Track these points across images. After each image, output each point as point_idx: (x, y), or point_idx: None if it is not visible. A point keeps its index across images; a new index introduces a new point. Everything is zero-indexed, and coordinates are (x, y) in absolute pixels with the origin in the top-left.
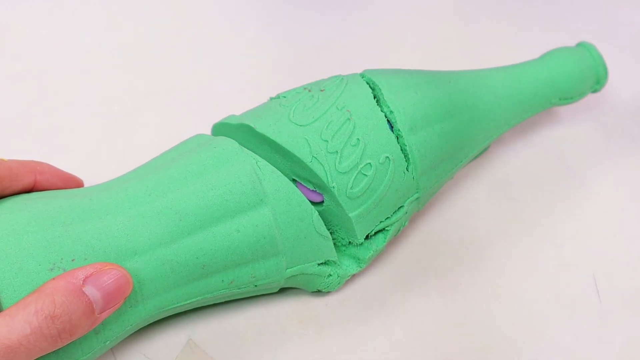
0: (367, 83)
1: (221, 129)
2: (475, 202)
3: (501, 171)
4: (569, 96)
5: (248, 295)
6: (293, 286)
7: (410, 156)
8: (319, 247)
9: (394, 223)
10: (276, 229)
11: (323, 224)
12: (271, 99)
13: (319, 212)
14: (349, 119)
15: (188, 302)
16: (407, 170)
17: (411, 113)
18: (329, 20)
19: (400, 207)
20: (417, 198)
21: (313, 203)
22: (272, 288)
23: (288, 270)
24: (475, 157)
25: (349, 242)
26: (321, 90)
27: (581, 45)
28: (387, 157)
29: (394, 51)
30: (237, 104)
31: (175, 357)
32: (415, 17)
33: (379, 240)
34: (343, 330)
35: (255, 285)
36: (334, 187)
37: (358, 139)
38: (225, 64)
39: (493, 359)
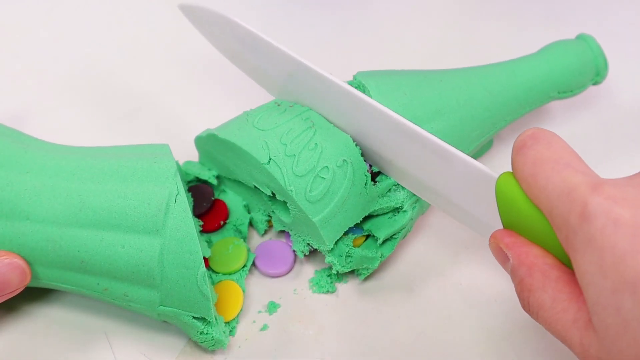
0: (358, 86)
1: (199, 142)
2: None
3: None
4: (568, 89)
5: (135, 311)
6: (178, 326)
7: None
8: (196, 301)
9: (401, 230)
10: (158, 264)
11: (207, 283)
12: (245, 112)
13: (290, 223)
14: (311, 127)
15: (65, 286)
16: (369, 173)
17: (400, 114)
18: (328, 21)
19: (404, 211)
20: (417, 199)
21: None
22: (152, 316)
23: (162, 307)
24: (479, 156)
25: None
26: (290, 106)
27: (579, 37)
28: (344, 160)
29: (394, 51)
30: (235, 105)
31: (175, 357)
32: (415, 17)
33: (388, 248)
34: (343, 330)
35: (130, 305)
36: (291, 190)
37: (316, 143)
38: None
39: (493, 359)
